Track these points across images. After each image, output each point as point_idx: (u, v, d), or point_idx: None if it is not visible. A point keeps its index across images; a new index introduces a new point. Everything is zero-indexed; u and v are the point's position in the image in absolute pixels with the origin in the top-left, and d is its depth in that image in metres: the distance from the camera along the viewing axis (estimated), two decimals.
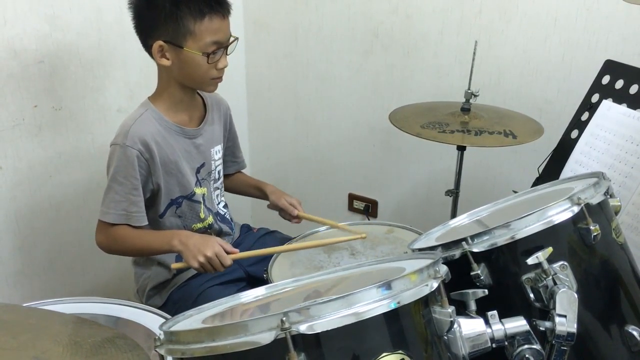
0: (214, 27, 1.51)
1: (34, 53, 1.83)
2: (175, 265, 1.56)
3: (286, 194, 1.83)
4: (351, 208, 2.66)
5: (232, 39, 1.57)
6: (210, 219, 1.71)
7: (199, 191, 1.68)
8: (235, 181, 1.92)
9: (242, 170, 1.95)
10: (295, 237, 1.74)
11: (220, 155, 1.76)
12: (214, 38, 1.51)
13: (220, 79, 1.59)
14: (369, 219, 2.59)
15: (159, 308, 1.59)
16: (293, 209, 1.78)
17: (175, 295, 1.68)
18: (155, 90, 1.64)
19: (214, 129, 1.73)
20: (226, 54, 1.57)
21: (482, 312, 1.00)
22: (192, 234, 1.56)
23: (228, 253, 1.51)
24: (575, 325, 0.99)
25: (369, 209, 2.61)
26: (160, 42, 1.51)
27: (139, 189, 1.55)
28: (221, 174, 1.79)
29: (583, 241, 1.09)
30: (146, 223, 1.58)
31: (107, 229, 1.56)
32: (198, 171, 1.68)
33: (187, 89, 1.62)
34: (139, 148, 1.53)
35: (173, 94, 1.61)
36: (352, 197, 2.64)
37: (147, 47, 1.55)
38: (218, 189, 1.78)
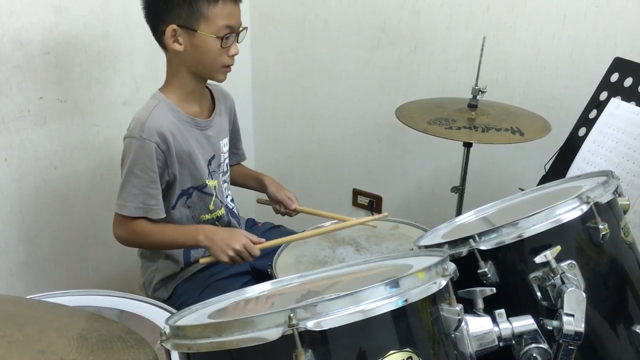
0: (227, 11, 1.51)
1: (40, 44, 1.82)
2: (203, 260, 1.56)
3: (285, 188, 1.84)
4: (355, 203, 2.65)
5: (242, 27, 1.57)
6: (221, 211, 1.71)
7: (211, 183, 1.67)
8: (234, 172, 1.91)
9: (242, 163, 1.96)
10: (302, 231, 1.74)
11: (227, 148, 1.76)
12: (227, 22, 1.52)
13: (229, 68, 1.59)
14: (373, 215, 2.59)
15: (165, 301, 1.60)
16: (291, 202, 1.82)
17: (180, 289, 1.68)
18: (165, 82, 1.63)
19: (222, 120, 1.73)
20: (237, 41, 1.57)
21: (489, 310, 1.00)
22: (217, 229, 1.58)
23: (255, 243, 1.52)
24: (583, 325, 0.99)
25: (374, 204, 2.60)
26: (174, 26, 1.50)
27: (157, 182, 1.54)
28: (228, 167, 1.79)
29: (591, 240, 1.08)
30: (164, 215, 1.58)
31: (126, 222, 1.56)
32: (209, 163, 1.68)
33: (198, 78, 1.61)
34: (156, 140, 1.52)
35: (184, 84, 1.60)
36: (356, 193, 2.64)
37: (158, 34, 1.55)
38: (225, 182, 1.78)
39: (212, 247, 1.52)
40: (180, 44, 1.52)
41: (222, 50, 1.53)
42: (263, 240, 1.55)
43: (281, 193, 1.83)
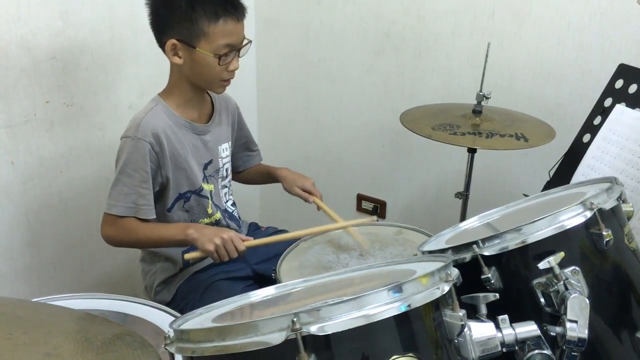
0: (227, 30, 1.52)
1: (47, 49, 1.83)
2: (188, 256, 1.55)
3: (299, 178, 1.83)
4: (360, 208, 2.65)
5: (245, 41, 1.58)
6: (218, 215, 1.72)
7: (207, 187, 1.68)
8: (251, 173, 1.93)
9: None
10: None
11: (228, 153, 1.77)
12: (227, 41, 1.53)
13: (229, 81, 1.61)
14: (377, 220, 2.59)
15: (168, 303, 1.62)
16: (308, 196, 1.80)
17: (183, 289, 1.68)
18: (166, 87, 1.65)
19: (221, 126, 1.74)
20: (238, 57, 1.58)
21: (492, 316, 1.00)
22: (206, 225, 1.59)
23: (242, 241, 1.52)
24: (586, 331, 0.99)
25: (378, 209, 2.60)
26: (174, 41, 1.52)
27: (149, 182, 1.55)
28: (229, 172, 1.79)
29: (595, 246, 1.08)
30: (154, 217, 1.58)
31: (115, 221, 1.56)
32: (205, 167, 1.69)
33: (197, 88, 1.64)
34: (150, 140, 1.54)
35: (184, 92, 1.62)
36: (360, 198, 2.64)
37: (161, 44, 1.57)
38: (226, 187, 1.79)
39: (200, 238, 1.50)
40: (180, 58, 1.54)
41: (221, 66, 1.55)
42: (250, 238, 1.55)
43: (295, 190, 1.81)
